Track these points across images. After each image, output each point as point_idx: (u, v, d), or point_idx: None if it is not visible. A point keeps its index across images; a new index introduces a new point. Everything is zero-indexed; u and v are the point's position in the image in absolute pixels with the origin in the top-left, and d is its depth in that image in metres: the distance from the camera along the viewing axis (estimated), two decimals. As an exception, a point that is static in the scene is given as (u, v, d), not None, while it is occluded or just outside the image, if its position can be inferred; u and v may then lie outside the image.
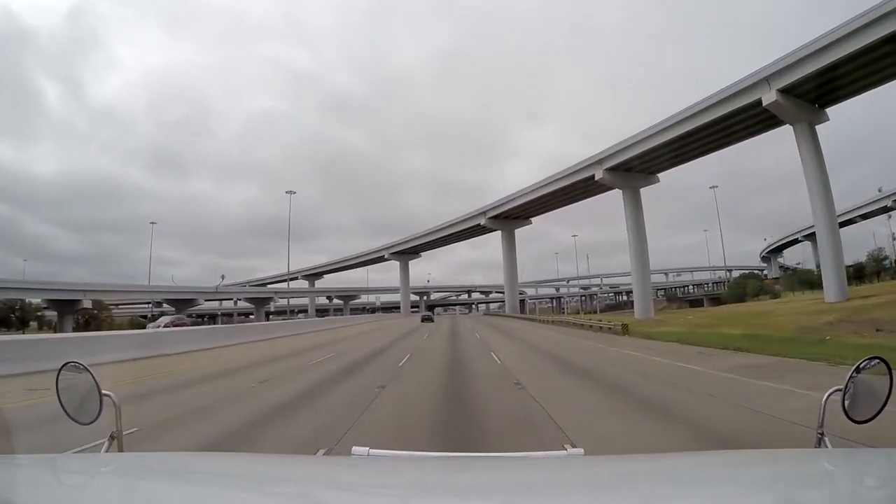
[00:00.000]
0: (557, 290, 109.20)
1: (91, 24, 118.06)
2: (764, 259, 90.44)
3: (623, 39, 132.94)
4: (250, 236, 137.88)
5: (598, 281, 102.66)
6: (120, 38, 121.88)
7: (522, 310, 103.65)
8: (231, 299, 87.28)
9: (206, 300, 68.08)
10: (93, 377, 1.14)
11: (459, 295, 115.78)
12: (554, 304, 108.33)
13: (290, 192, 53.86)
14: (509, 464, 1.27)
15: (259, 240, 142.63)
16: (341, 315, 75.89)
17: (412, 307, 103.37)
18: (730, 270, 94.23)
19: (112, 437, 1.14)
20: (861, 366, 1.12)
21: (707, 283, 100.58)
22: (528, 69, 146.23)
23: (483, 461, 1.42)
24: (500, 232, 62.64)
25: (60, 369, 1.16)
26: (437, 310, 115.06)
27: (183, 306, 58.84)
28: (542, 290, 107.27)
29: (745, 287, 63.81)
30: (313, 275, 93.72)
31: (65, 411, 1.14)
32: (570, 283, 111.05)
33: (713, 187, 64.27)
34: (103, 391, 1.14)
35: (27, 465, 1.14)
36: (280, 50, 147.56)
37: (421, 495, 1.02)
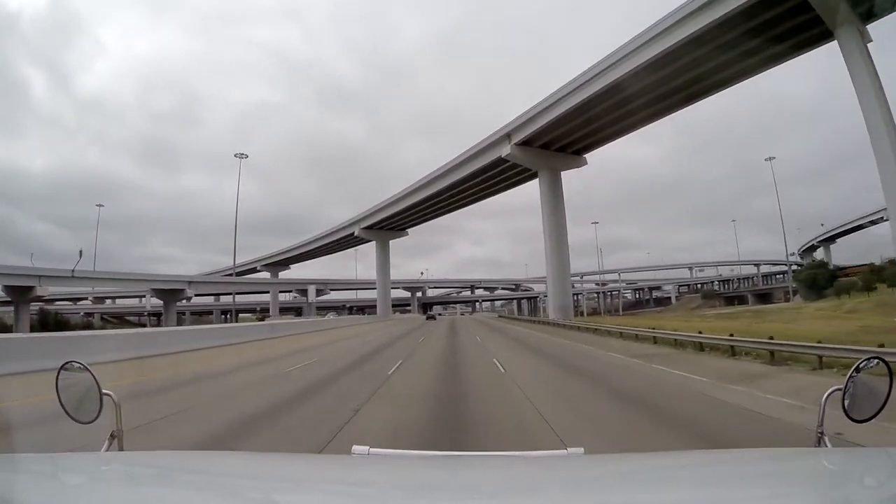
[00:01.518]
0: (573, 286, 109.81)
1: (75, 6, 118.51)
2: (807, 251, 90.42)
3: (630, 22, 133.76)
4: (249, 233, 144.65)
5: (614, 276, 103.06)
6: (106, 23, 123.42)
7: (533, 309, 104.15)
8: (101, 298, 77.28)
9: (54, 297, 58.03)
10: (93, 376, 1.28)
11: (460, 291, 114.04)
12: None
13: (241, 156, 47.24)
14: (510, 463, 1.41)
15: (258, 236, 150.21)
16: (298, 318, 62.31)
17: (400, 305, 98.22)
18: (758, 265, 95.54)
19: (112, 436, 1.28)
20: (861, 365, 1.25)
21: (732, 280, 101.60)
22: (533, 55, 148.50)
23: (483, 460, 1.58)
24: (536, 180, 42.48)
25: (60, 369, 1.30)
26: (435, 308, 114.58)
27: (20, 296, 46.26)
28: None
29: (817, 279, 55.07)
30: (275, 264, 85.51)
31: (65, 411, 1.28)
32: (584, 278, 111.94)
33: (769, 159, 56.85)
34: (103, 390, 1.28)
35: (27, 465, 1.27)
36: (274, 35, 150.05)
37: (421, 494, 1.12)
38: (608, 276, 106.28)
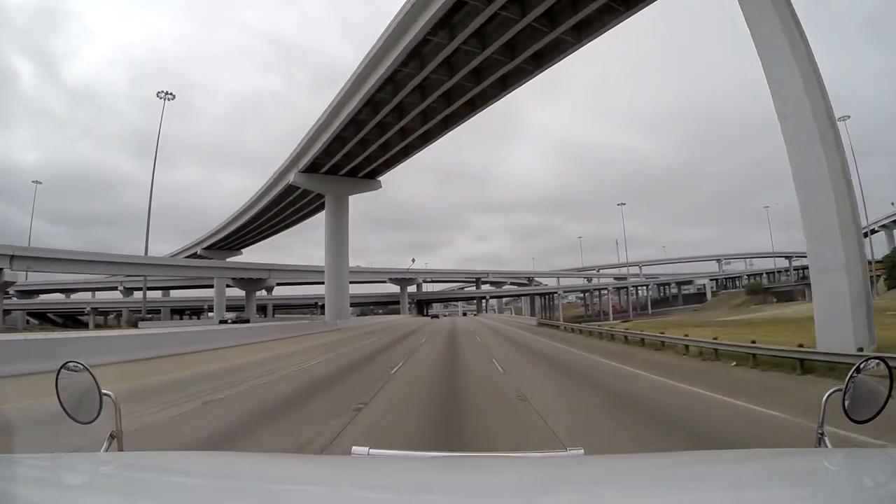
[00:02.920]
0: (589, 280, 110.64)
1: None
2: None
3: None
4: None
5: (634, 270, 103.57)
6: (95, 8, 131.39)
7: (548, 307, 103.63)
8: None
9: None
10: (92, 376, 1.44)
11: (463, 287, 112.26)
12: (587, 300, 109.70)
13: (165, 96, 43.07)
14: (509, 464, 1.57)
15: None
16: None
17: (386, 303, 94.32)
18: (789, 257, 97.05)
19: (112, 437, 1.44)
20: (861, 366, 1.41)
21: (761, 273, 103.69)
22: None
23: (483, 461, 1.73)
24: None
25: (60, 369, 1.46)
26: (435, 307, 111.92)
27: None
28: (564, 282, 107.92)
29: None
30: (218, 247, 74.14)
31: (64, 411, 1.44)
32: (601, 271, 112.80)
33: (844, 118, 55.34)
34: (103, 390, 1.44)
35: (27, 465, 1.43)
36: (267, 18, 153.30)
37: (421, 496, 1.25)
38: (626, 270, 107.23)
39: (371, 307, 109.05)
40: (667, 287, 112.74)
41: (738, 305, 76.49)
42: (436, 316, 79.53)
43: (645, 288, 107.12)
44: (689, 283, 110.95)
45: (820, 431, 1.44)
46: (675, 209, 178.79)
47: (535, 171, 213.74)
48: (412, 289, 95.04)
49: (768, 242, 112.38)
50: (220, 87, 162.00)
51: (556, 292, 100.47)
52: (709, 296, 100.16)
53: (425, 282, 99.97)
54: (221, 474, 1.47)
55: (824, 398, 1.45)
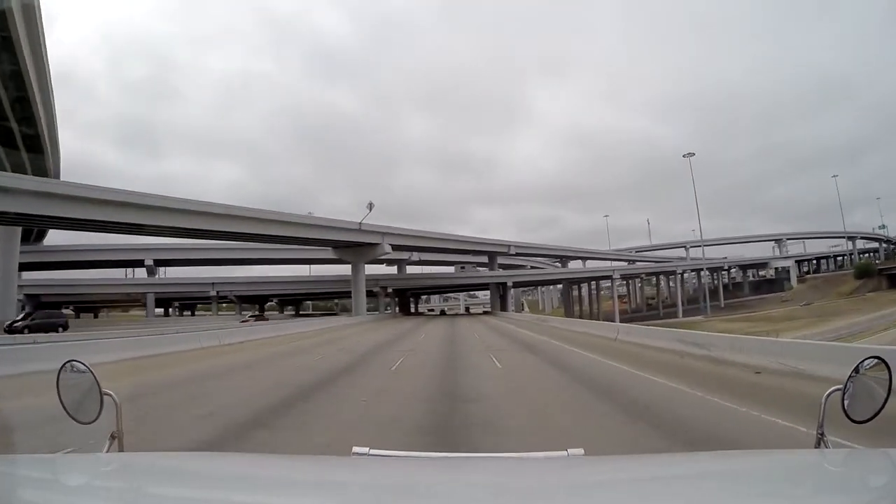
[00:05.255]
0: (631, 262, 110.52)
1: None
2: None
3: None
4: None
5: (680, 253, 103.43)
6: None
7: (590, 299, 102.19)
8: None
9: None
10: (93, 376, 1.70)
11: (475, 267, 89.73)
12: (631, 290, 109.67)
13: None
14: (510, 465, 1.82)
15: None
16: None
17: (329, 295, 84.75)
18: (853, 238, 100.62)
19: (113, 437, 1.70)
20: (861, 366, 1.63)
21: (830, 256, 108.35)
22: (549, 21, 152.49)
23: (484, 462, 2.00)
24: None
25: (61, 368, 1.72)
26: (432, 299, 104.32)
27: None
28: (591, 265, 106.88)
29: None
30: None
31: (65, 410, 1.70)
32: (639, 253, 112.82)
33: None
34: (104, 390, 1.71)
35: (27, 465, 1.69)
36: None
37: (422, 496, 1.48)
38: (667, 252, 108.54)
39: (335, 300, 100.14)
40: (725, 272, 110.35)
41: (851, 293, 69.51)
42: (442, 313, 73.50)
43: (722, 272, 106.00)
44: (763, 265, 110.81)
45: (820, 431, 1.68)
46: (680, 201, 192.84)
47: (541, 160, 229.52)
48: (374, 269, 68.20)
49: (774, 233, 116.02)
50: (207, 68, 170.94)
51: (610, 276, 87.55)
52: (793, 281, 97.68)
53: (410, 262, 79.00)
54: (222, 475, 1.73)
55: (824, 398, 1.68)
